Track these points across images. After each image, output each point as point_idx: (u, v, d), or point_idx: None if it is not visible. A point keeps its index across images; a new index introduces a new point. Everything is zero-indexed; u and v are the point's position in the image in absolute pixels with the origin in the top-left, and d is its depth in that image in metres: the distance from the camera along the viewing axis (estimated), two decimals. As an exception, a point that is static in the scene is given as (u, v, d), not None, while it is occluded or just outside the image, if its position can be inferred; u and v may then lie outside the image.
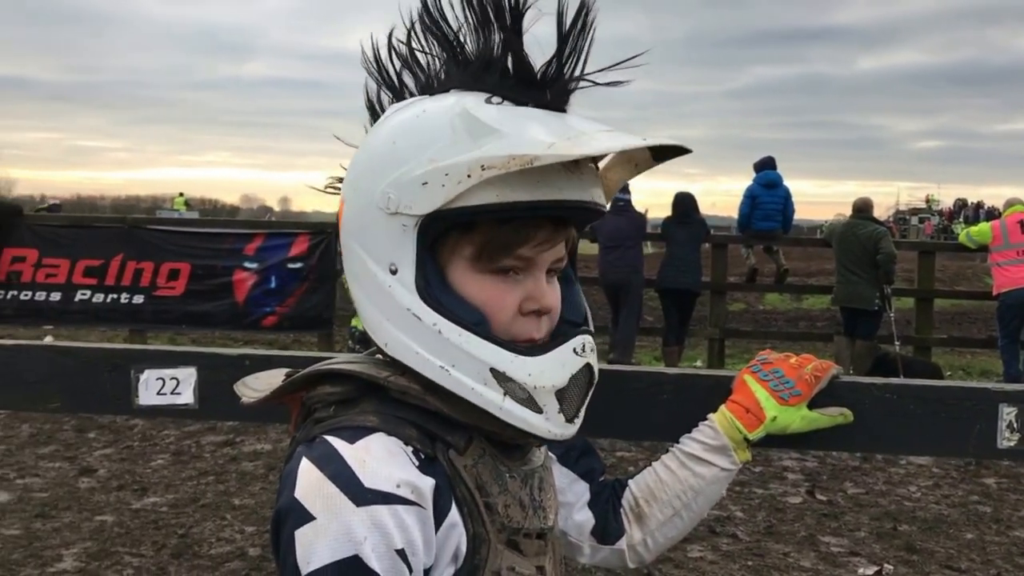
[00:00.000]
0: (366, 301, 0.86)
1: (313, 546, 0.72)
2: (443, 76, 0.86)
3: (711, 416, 1.12)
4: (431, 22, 0.85)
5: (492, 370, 0.80)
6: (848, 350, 7.34)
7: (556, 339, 0.85)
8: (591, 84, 0.85)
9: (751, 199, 8.25)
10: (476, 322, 0.81)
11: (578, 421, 0.86)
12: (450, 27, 0.85)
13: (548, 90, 0.83)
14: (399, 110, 0.86)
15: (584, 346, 0.85)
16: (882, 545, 4.08)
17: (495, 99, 0.82)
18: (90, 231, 8.50)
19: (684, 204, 7.87)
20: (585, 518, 1.08)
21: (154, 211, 38.14)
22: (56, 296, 8.27)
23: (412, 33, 0.87)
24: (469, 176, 0.76)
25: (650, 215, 9.07)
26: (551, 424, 0.83)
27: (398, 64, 0.89)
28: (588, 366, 0.86)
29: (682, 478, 1.09)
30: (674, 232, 7.81)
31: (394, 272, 0.82)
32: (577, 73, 0.84)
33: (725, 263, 8.51)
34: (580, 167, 0.82)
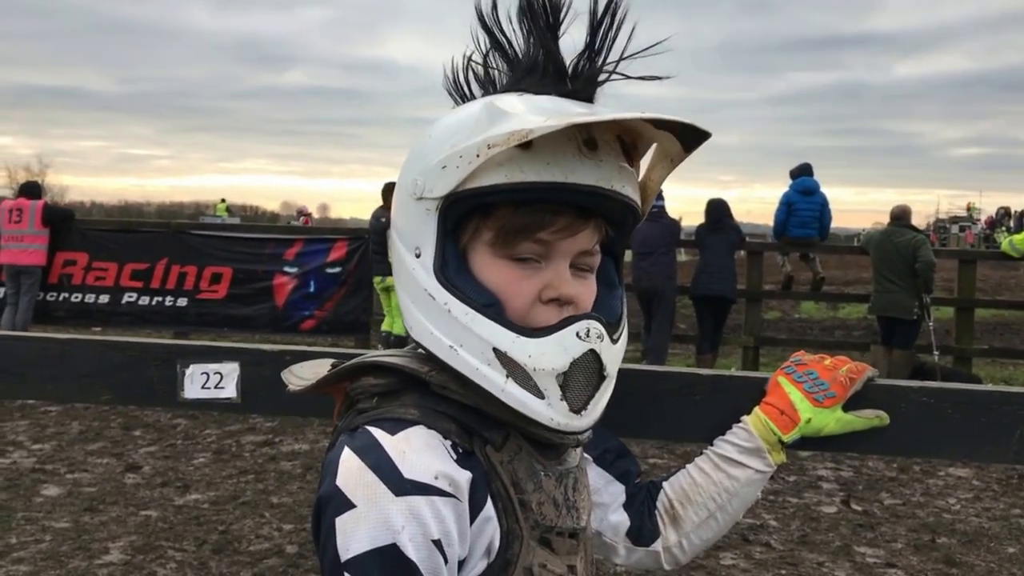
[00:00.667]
0: (399, 286, 0.89)
1: (353, 533, 0.74)
2: (504, 85, 0.89)
3: (744, 418, 1.12)
4: (488, 36, 0.88)
5: (495, 350, 0.81)
6: (885, 360, 7.24)
7: (561, 322, 0.83)
8: (622, 77, 0.86)
9: (787, 206, 8.16)
10: (487, 304, 0.82)
11: (587, 415, 0.84)
12: (507, 40, 0.88)
13: (572, 80, 0.85)
14: (446, 114, 0.90)
15: (589, 331, 0.82)
16: (920, 557, 4.02)
17: (526, 94, 0.84)
18: (137, 236, 8.75)
19: (717, 210, 7.83)
20: (620, 519, 1.08)
21: (197, 217, 38.83)
22: (104, 298, 8.52)
23: (487, 56, 0.90)
24: (478, 156, 0.78)
25: (684, 223, 9.03)
26: (553, 411, 0.81)
27: (476, 87, 0.91)
28: (593, 353, 0.83)
29: (716, 480, 1.09)
30: (708, 239, 7.78)
31: (418, 255, 0.85)
32: (608, 67, 0.86)
33: (760, 270, 8.45)
34: (599, 155, 0.82)
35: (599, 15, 0.85)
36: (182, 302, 8.56)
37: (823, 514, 4.61)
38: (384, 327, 8.20)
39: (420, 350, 0.88)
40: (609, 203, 0.84)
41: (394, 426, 0.80)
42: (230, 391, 1.34)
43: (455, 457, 0.80)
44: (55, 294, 8.47)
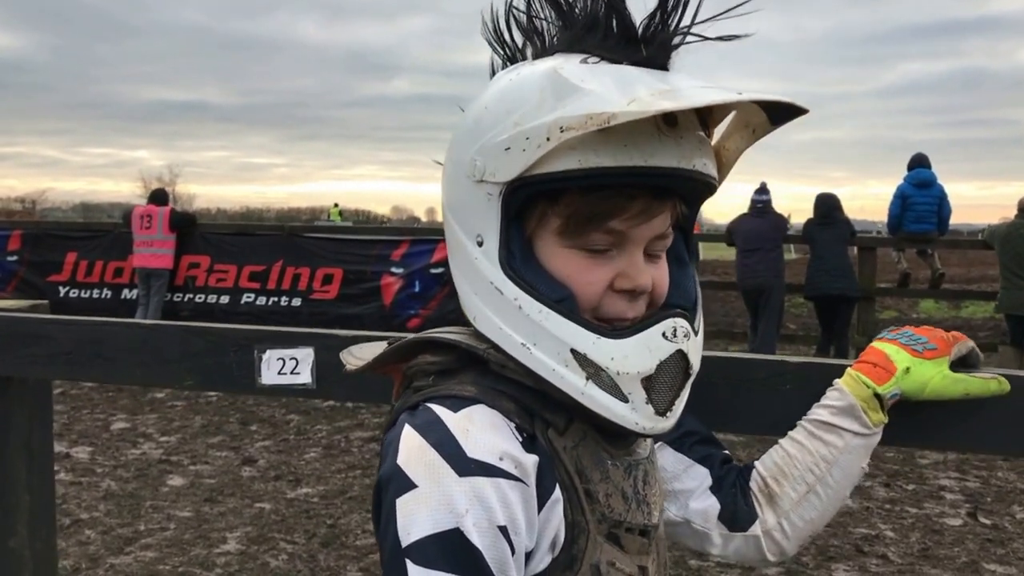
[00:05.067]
0: (458, 273, 0.84)
1: (415, 515, 0.69)
2: (554, 41, 0.82)
3: (836, 380, 1.02)
4: None
5: (573, 351, 0.75)
6: (1016, 362, 6.79)
7: (645, 320, 0.78)
8: (698, 39, 0.78)
9: (902, 199, 7.76)
10: (559, 299, 0.76)
11: (672, 415, 0.79)
12: None
13: (645, 46, 0.76)
14: (499, 76, 0.83)
15: (676, 330, 0.77)
16: (1055, 576, 3.77)
17: (591, 59, 0.76)
18: (254, 239, 9.20)
19: (827, 204, 7.47)
20: (708, 504, 1.01)
21: (313, 221, 40.46)
22: (225, 299, 8.99)
23: (530, 3, 0.83)
24: (548, 139, 0.71)
25: (792, 220, 8.69)
26: (638, 415, 0.77)
27: (518, 34, 0.84)
28: (680, 353, 0.78)
29: (812, 449, 1.00)
30: (817, 234, 7.43)
31: (480, 244, 0.79)
32: (682, 28, 0.77)
33: (874, 267, 8.09)
34: (679, 131, 0.75)
35: None
36: (296, 302, 8.93)
37: (947, 526, 4.36)
38: None
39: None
40: (690, 183, 0.78)
41: (457, 403, 0.76)
42: (305, 376, 1.33)
43: (520, 439, 0.76)
44: (180, 295, 9.00)
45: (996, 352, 7.25)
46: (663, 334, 0.77)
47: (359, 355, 0.97)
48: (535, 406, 0.78)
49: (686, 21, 0.77)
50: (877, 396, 0.98)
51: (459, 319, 0.85)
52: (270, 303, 8.96)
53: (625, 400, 0.76)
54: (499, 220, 0.77)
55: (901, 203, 7.78)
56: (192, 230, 9.06)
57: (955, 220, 8.11)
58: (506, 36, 0.85)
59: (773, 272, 7.39)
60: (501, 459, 0.72)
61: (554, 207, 0.77)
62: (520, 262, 0.78)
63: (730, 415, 1.16)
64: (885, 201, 8.02)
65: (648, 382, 0.76)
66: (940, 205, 7.74)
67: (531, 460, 0.74)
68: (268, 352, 1.34)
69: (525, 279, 0.77)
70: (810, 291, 7.53)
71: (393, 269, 8.77)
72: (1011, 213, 7.07)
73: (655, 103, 0.68)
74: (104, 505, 4.46)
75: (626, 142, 0.72)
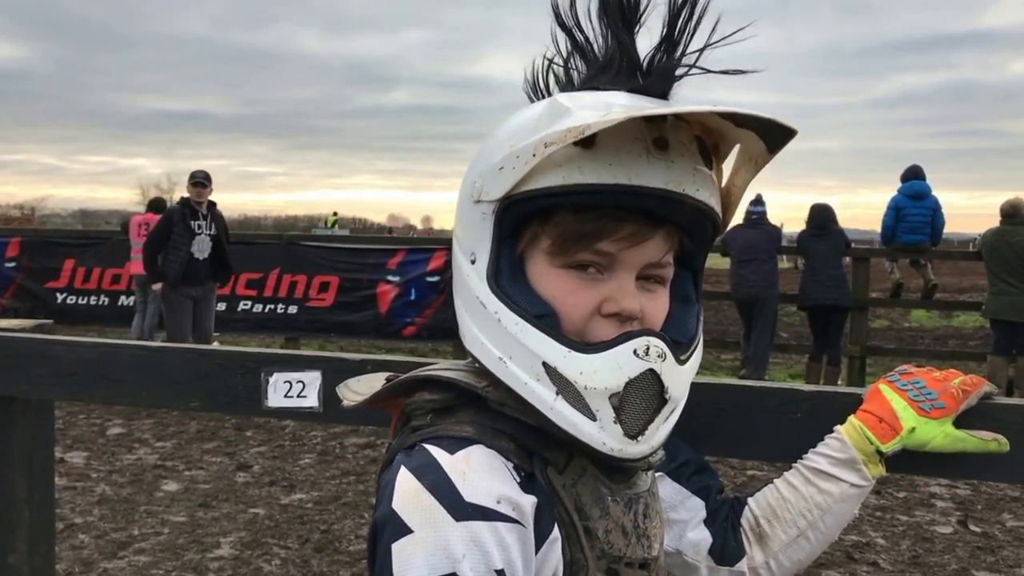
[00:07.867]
0: (455, 293, 0.85)
1: (410, 561, 0.68)
2: (579, 84, 0.85)
3: (838, 428, 1.02)
4: (566, 35, 0.84)
5: (544, 364, 0.75)
6: (1004, 370, 6.84)
7: (618, 337, 0.76)
8: (701, 71, 0.80)
9: (896, 210, 7.81)
10: (540, 315, 0.76)
11: (644, 441, 0.77)
12: (584, 37, 0.83)
13: (645, 76, 0.79)
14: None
15: (648, 349, 0.75)
16: (1044, 583, 3.80)
17: (596, 91, 0.80)
18: (251, 247, 9.22)
19: (821, 215, 7.51)
20: (701, 536, 1.01)
21: (310, 229, 40.49)
22: (221, 306, 8.98)
23: (563, 54, 0.86)
24: (534, 155, 0.73)
25: (785, 229, 8.75)
26: (606, 435, 0.75)
27: (556, 89, 0.86)
28: (652, 374, 0.75)
29: (806, 495, 1.00)
30: (812, 245, 7.48)
31: (473, 262, 0.80)
32: (686, 59, 0.79)
33: (867, 277, 8.13)
34: (669, 155, 0.75)
35: (678, 4, 0.79)
36: (292, 309, 8.97)
37: (937, 534, 4.38)
38: None
39: (477, 363, 0.85)
40: (681, 209, 0.77)
41: (453, 444, 0.75)
42: (312, 400, 1.33)
43: (518, 480, 0.75)
44: (177, 302, 9.00)
45: (985, 362, 7.29)
46: (634, 351, 0.75)
47: (356, 389, 0.97)
48: (534, 445, 0.78)
49: (687, 52, 0.79)
50: (879, 452, 0.99)
51: (454, 326, 0.87)
52: (266, 310, 8.99)
53: (593, 418, 0.75)
54: (491, 238, 0.79)
55: (895, 214, 7.82)
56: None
57: (946, 229, 8.15)
58: (544, 92, 0.87)
59: (767, 283, 7.45)
60: (498, 502, 0.71)
61: (545, 227, 0.78)
62: (507, 278, 0.78)
63: (741, 442, 1.16)
64: (877, 210, 8.08)
65: (618, 401, 0.75)
66: (934, 216, 7.78)
67: (529, 501, 0.73)
68: (275, 375, 1.33)
69: (508, 294, 0.78)
70: (803, 301, 7.57)
71: (389, 277, 8.81)
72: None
73: (628, 112, 0.70)
74: (98, 510, 4.48)
75: (611, 161, 0.73)
